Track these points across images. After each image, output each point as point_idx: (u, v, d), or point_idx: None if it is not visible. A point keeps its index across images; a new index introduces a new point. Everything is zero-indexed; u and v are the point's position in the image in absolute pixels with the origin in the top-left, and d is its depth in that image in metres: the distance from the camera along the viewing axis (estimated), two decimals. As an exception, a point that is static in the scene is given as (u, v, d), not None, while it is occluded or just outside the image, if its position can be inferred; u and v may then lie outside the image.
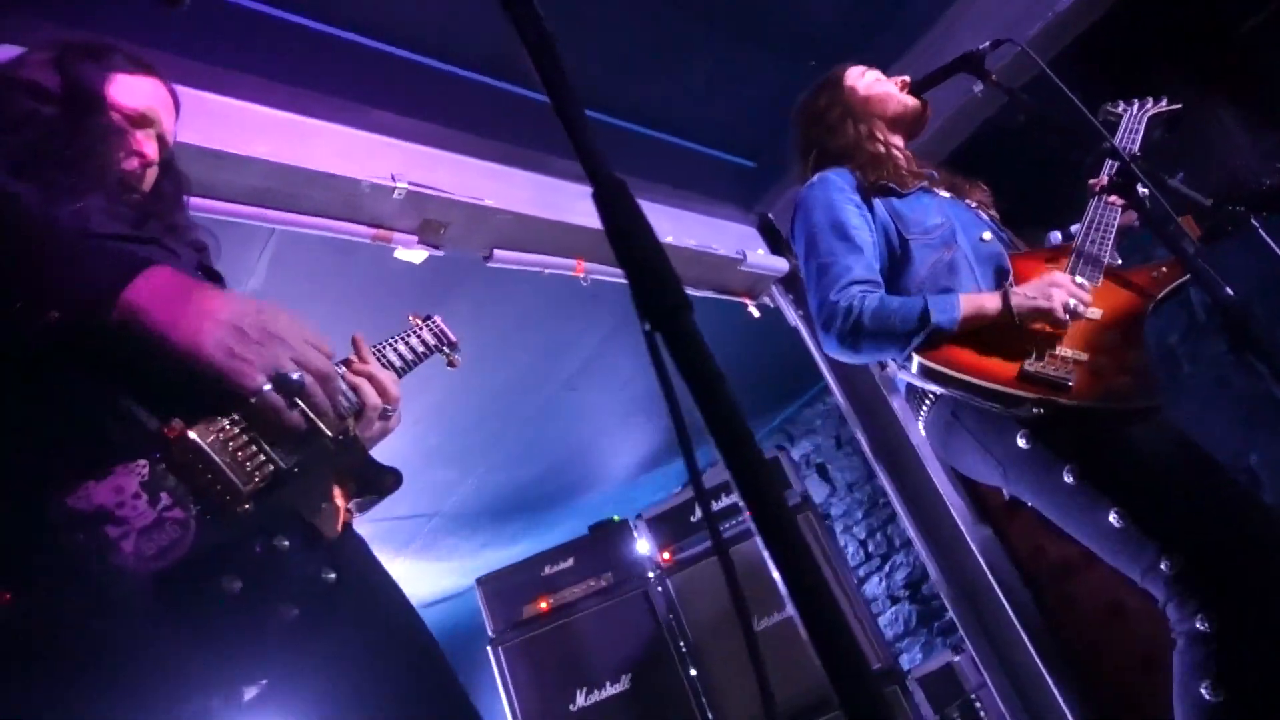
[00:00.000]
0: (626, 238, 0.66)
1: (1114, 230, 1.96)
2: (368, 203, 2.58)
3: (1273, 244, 2.77)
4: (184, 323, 0.97)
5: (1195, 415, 3.72)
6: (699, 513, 4.34)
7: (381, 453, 1.41)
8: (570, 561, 4.25)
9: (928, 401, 1.90)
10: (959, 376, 1.73)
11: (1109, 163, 1.99)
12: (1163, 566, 1.48)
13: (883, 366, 2.10)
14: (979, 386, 1.71)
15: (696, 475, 0.67)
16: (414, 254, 2.78)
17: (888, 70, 2.28)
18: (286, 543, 0.99)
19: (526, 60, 0.74)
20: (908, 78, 2.24)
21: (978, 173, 2.39)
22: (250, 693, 0.95)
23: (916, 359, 1.77)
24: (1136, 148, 2.09)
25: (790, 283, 3.42)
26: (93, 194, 1.18)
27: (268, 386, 1.02)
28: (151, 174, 1.41)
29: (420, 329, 1.65)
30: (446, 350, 1.74)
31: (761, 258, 3.37)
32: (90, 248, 1.04)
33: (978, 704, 3.84)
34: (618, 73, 3.05)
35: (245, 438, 1.01)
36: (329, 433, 1.09)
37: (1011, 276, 1.88)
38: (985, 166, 2.57)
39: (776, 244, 3.61)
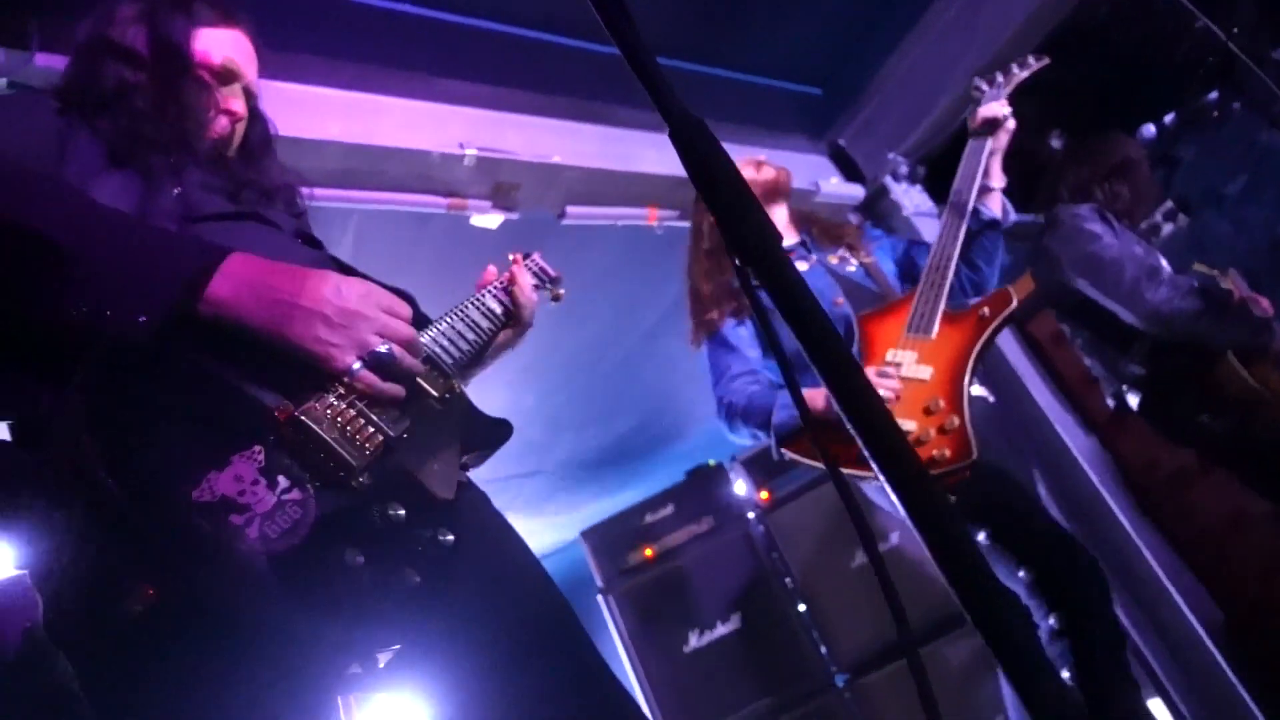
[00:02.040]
0: (709, 175, 0.66)
1: (954, 261, 2.01)
2: (439, 172, 2.62)
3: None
4: (267, 313, 1.00)
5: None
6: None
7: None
8: (670, 508, 4.31)
9: None
10: (808, 462, 2.22)
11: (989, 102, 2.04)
12: (1020, 574, 1.90)
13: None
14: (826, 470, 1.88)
15: (803, 402, 0.67)
16: (489, 219, 2.82)
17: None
18: (402, 511, 1.00)
19: (589, 7, 0.73)
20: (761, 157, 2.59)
21: (1060, 69, 2.29)
22: (385, 657, 0.96)
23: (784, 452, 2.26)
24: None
25: (866, 209, 3.35)
26: (188, 170, 1.22)
27: (357, 365, 1.04)
28: (240, 128, 1.43)
29: (520, 267, 1.66)
30: (549, 285, 1.79)
31: (836, 186, 3.30)
32: (168, 243, 1.04)
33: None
34: (673, 10, 2.99)
35: (352, 411, 1.03)
36: (433, 393, 1.13)
37: (857, 342, 2.11)
38: (1066, 63, 2.44)
39: (850, 171, 3.52)
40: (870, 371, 1.99)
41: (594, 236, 3.28)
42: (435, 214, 2.73)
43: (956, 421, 1.86)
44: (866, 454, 0.68)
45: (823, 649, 3.90)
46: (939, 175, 3.34)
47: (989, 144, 2.13)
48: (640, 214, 2.97)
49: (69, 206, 1.01)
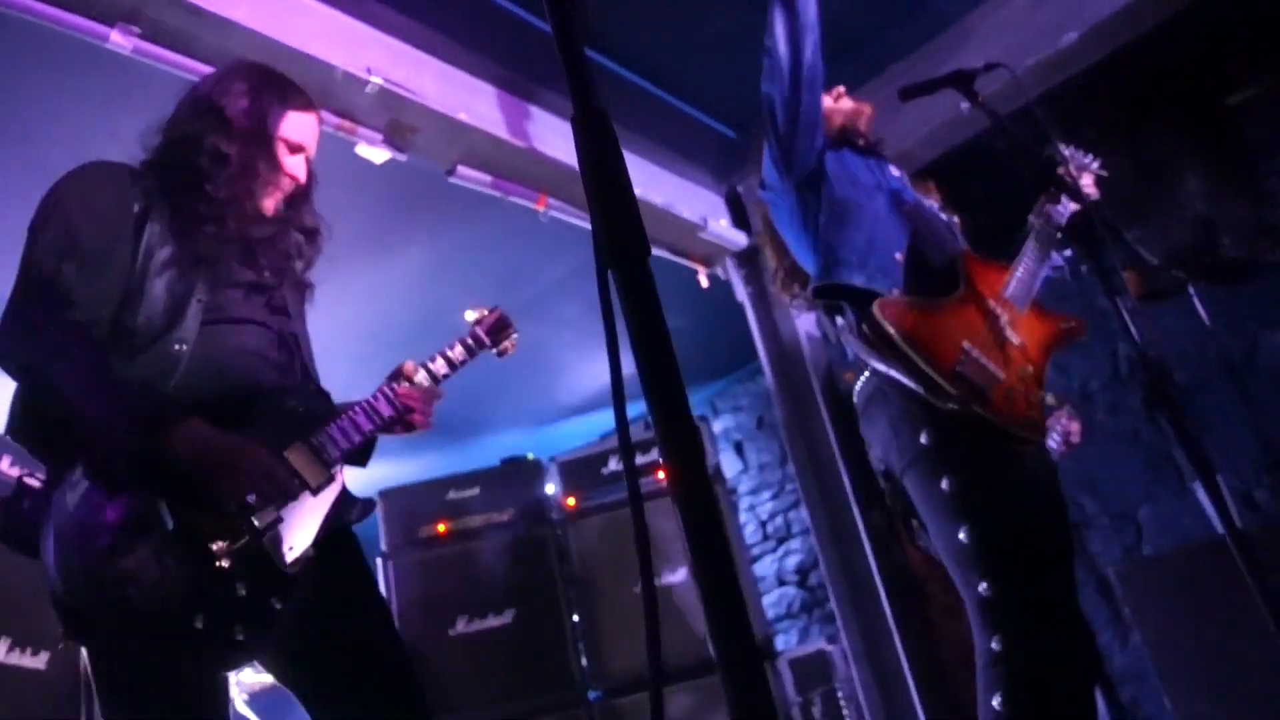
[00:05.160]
0: (598, 170, 0.65)
1: (1045, 268, 2.06)
2: (340, 90, 2.49)
3: (1204, 315, 2.89)
4: (192, 464, 1.44)
5: (1102, 460, 3.88)
6: (612, 466, 4.37)
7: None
8: (476, 490, 4.25)
9: (866, 373, 1.99)
10: (903, 347, 1.80)
11: (1064, 201, 2.06)
12: (980, 589, 1.73)
13: (834, 327, 2.17)
14: (913, 361, 1.80)
15: (623, 419, 0.67)
16: (376, 153, 2.70)
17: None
18: (244, 591, 1.45)
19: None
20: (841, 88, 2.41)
21: (952, 187, 2.43)
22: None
23: (876, 314, 1.83)
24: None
25: (744, 259, 3.43)
26: (225, 262, 1.64)
27: (236, 499, 1.49)
28: (296, 189, 1.80)
29: (476, 329, 1.96)
30: (503, 345, 2.01)
31: (723, 228, 3.38)
32: (144, 413, 1.46)
33: (840, 694, 3.99)
34: (624, 13, 2.98)
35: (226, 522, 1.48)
36: (311, 484, 1.58)
37: (963, 272, 2.00)
38: (960, 183, 2.60)
39: (740, 218, 3.60)
40: (986, 302, 1.94)
41: (481, 204, 3.21)
42: (323, 134, 2.59)
43: (1039, 395, 1.88)
44: (672, 494, 0.69)
45: (584, 662, 3.94)
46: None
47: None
48: (530, 195, 2.93)
49: (84, 382, 1.46)
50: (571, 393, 5.67)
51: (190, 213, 1.61)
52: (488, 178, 2.85)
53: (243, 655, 1.49)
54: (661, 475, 4.25)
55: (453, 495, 4.17)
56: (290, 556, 1.51)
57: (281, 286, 1.76)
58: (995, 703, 1.66)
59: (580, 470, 4.35)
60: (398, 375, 1.81)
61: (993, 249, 2.19)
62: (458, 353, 1.90)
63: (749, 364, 5.69)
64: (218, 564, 1.43)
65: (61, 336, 1.47)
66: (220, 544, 1.44)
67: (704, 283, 3.46)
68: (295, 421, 1.61)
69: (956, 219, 2.35)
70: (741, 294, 3.40)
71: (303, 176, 1.79)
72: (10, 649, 2.43)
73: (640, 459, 4.37)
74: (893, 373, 1.85)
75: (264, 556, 1.48)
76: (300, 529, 1.54)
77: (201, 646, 1.41)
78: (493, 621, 3.95)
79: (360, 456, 1.77)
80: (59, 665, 2.62)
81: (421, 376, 1.82)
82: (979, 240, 2.33)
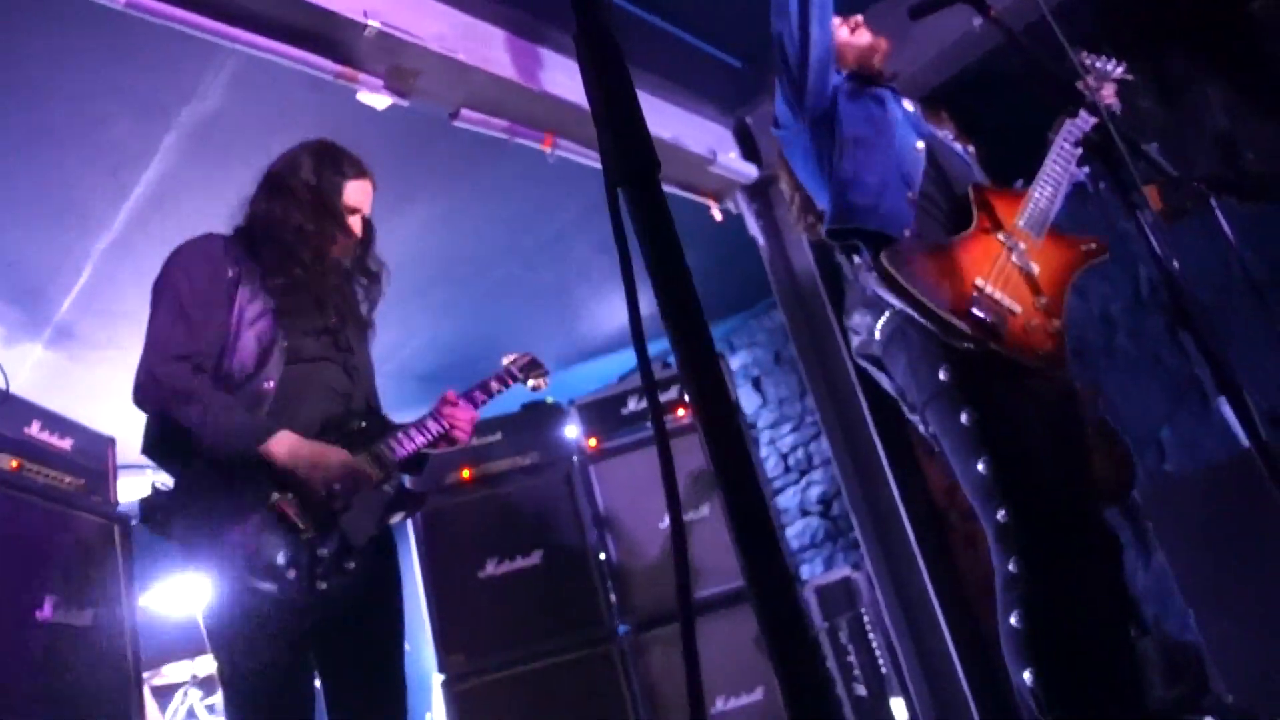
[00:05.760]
0: (603, 83, 0.63)
1: (1065, 186, 2.01)
2: (338, 35, 2.45)
3: (1228, 230, 2.82)
4: (285, 466, 1.90)
5: (1123, 384, 3.85)
6: (631, 406, 4.39)
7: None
8: (498, 435, 4.28)
9: (887, 312, 1.99)
10: (910, 289, 1.83)
11: (1083, 115, 2.00)
12: (999, 515, 1.78)
13: (852, 264, 2.16)
14: (925, 305, 1.82)
15: (643, 347, 0.66)
16: (378, 99, 2.66)
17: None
18: (324, 551, 1.90)
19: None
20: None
21: (961, 110, 2.37)
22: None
23: (884, 262, 1.86)
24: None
25: (756, 191, 3.39)
26: (302, 310, 2.06)
27: (323, 493, 1.92)
28: (355, 244, 2.20)
29: (511, 367, 2.43)
30: (536, 383, 2.47)
31: (732, 161, 3.32)
32: (243, 433, 1.91)
33: (866, 618, 4.05)
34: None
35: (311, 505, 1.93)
36: (374, 479, 2.03)
37: (974, 207, 1.98)
38: (974, 108, 2.54)
39: (749, 150, 3.54)
40: (999, 235, 1.95)
41: (489, 147, 3.17)
42: (322, 79, 2.56)
43: (1058, 325, 1.88)
44: (696, 420, 0.69)
45: (613, 598, 4.01)
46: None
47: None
48: (536, 136, 2.89)
49: (205, 415, 1.89)
50: (587, 336, 5.67)
51: (276, 277, 2.04)
52: (492, 120, 2.81)
53: (323, 603, 1.89)
54: (681, 413, 4.27)
55: (475, 441, 4.20)
56: (358, 534, 1.96)
57: (346, 327, 2.15)
58: (1013, 620, 1.72)
59: (600, 412, 4.37)
60: (443, 403, 2.22)
61: (1010, 174, 2.14)
62: (494, 386, 2.36)
63: (764, 299, 5.66)
64: (304, 536, 1.88)
65: (182, 384, 1.91)
66: (307, 523, 1.89)
67: (717, 217, 3.42)
68: (359, 437, 2.05)
69: (972, 148, 2.31)
70: (753, 228, 3.35)
71: (358, 231, 2.19)
72: (57, 607, 2.50)
73: (661, 397, 4.39)
74: (910, 310, 1.87)
75: (340, 532, 1.94)
76: (365, 515, 2.00)
77: (294, 592, 1.83)
78: (521, 563, 4.02)
79: (415, 466, 2.21)
80: (105, 620, 2.70)
81: (461, 404, 2.24)
82: (995, 166, 2.28)
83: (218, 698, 4.09)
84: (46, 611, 2.47)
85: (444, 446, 2.20)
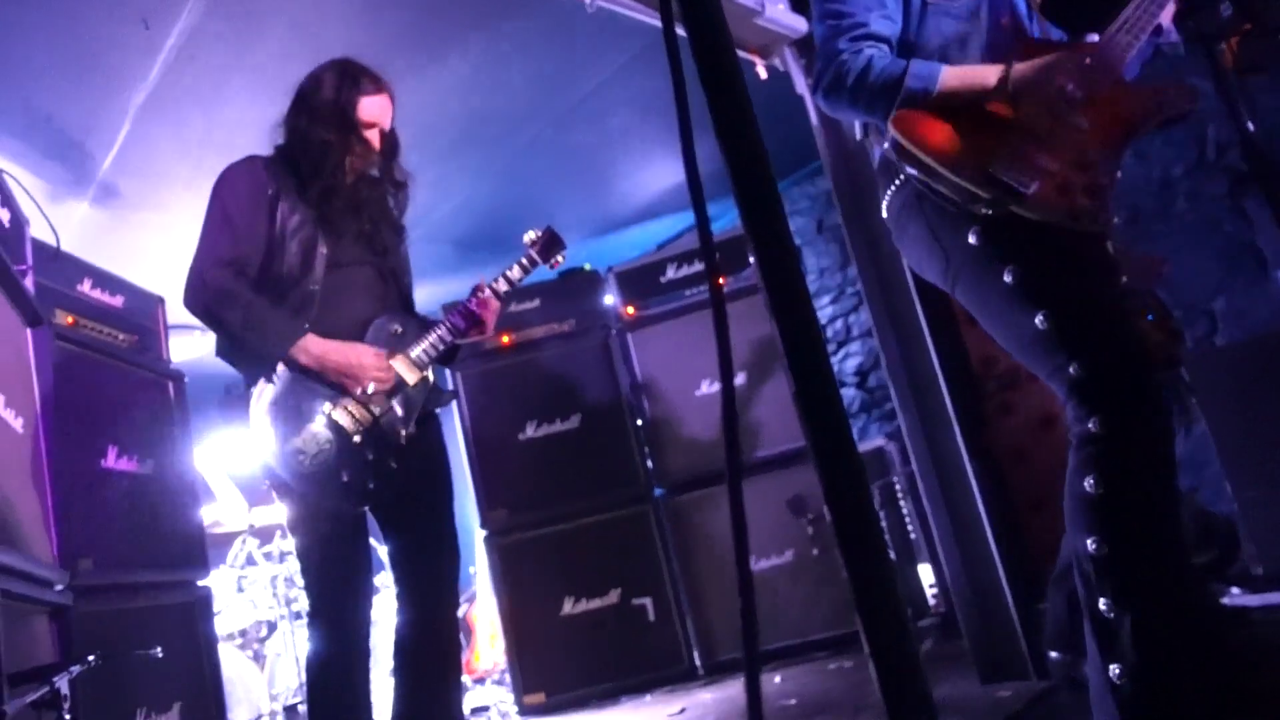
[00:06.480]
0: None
1: (1144, 36, 1.85)
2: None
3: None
4: (319, 367, 2.17)
5: (1177, 250, 3.74)
6: (669, 274, 4.37)
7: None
8: (536, 302, 4.31)
9: (897, 181, 1.86)
10: (924, 158, 1.71)
11: None
12: (1071, 370, 1.61)
13: (865, 134, 2.03)
14: (941, 173, 1.70)
15: (699, 192, 0.64)
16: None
17: None
18: (370, 455, 2.17)
19: None
20: None
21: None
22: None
23: (892, 130, 1.73)
24: None
25: (804, 47, 3.22)
26: (339, 217, 2.28)
27: (359, 391, 2.19)
28: (377, 156, 2.34)
29: (530, 250, 2.54)
30: (554, 260, 2.57)
31: (781, 13, 3.15)
32: (279, 333, 2.16)
33: (898, 485, 4.12)
34: None
35: (359, 405, 2.20)
36: (411, 382, 2.26)
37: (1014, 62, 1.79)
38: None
39: (800, 2, 3.36)
40: (1062, 60, 1.74)
41: (521, 3, 3.04)
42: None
43: (1105, 183, 1.72)
44: (761, 284, 0.68)
45: (649, 463, 4.11)
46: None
47: None
48: (575, -15, 2.75)
49: (244, 317, 2.15)
50: (624, 203, 5.59)
51: (310, 189, 2.25)
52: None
53: (372, 497, 2.17)
54: (720, 281, 4.24)
55: (515, 308, 4.24)
56: (401, 432, 2.22)
57: (381, 231, 2.34)
58: (1087, 485, 1.60)
59: (638, 279, 4.36)
60: (472, 292, 2.40)
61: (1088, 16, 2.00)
62: (515, 273, 2.50)
63: (807, 165, 5.51)
64: (354, 439, 2.15)
65: (225, 286, 2.15)
66: (355, 425, 2.15)
67: (762, 74, 3.27)
68: (395, 339, 2.27)
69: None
70: (801, 85, 3.20)
71: (376, 143, 2.32)
72: (119, 456, 2.62)
73: (694, 268, 4.35)
74: (922, 176, 1.73)
75: (383, 433, 2.19)
76: (405, 413, 2.24)
77: (348, 492, 2.13)
78: (560, 426, 4.12)
79: (447, 359, 2.38)
80: (166, 470, 2.82)
81: (487, 294, 2.41)
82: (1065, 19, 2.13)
83: (274, 545, 4.31)
84: (110, 459, 2.58)
85: (474, 335, 2.39)
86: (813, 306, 0.69)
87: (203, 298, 2.16)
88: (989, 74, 1.76)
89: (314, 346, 2.14)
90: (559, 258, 2.57)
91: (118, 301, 2.89)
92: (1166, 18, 1.92)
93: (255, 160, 2.30)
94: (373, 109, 2.31)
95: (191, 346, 4.17)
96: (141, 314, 3.00)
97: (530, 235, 2.55)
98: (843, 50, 1.82)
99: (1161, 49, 2.07)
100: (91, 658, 1.82)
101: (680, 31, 0.71)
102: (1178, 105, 1.80)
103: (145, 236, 4.26)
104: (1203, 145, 3.73)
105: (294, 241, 2.21)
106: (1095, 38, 2.11)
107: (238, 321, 2.13)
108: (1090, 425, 1.60)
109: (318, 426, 2.13)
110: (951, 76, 1.76)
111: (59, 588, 2.18)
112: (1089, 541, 1.59)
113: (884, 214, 1.96)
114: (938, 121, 1.75)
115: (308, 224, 2.22)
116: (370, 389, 2.17)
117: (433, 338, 2.29)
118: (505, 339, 4.20)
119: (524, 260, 2.51)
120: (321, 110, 2.27)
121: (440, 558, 2.28)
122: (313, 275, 2.19)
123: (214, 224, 2.23)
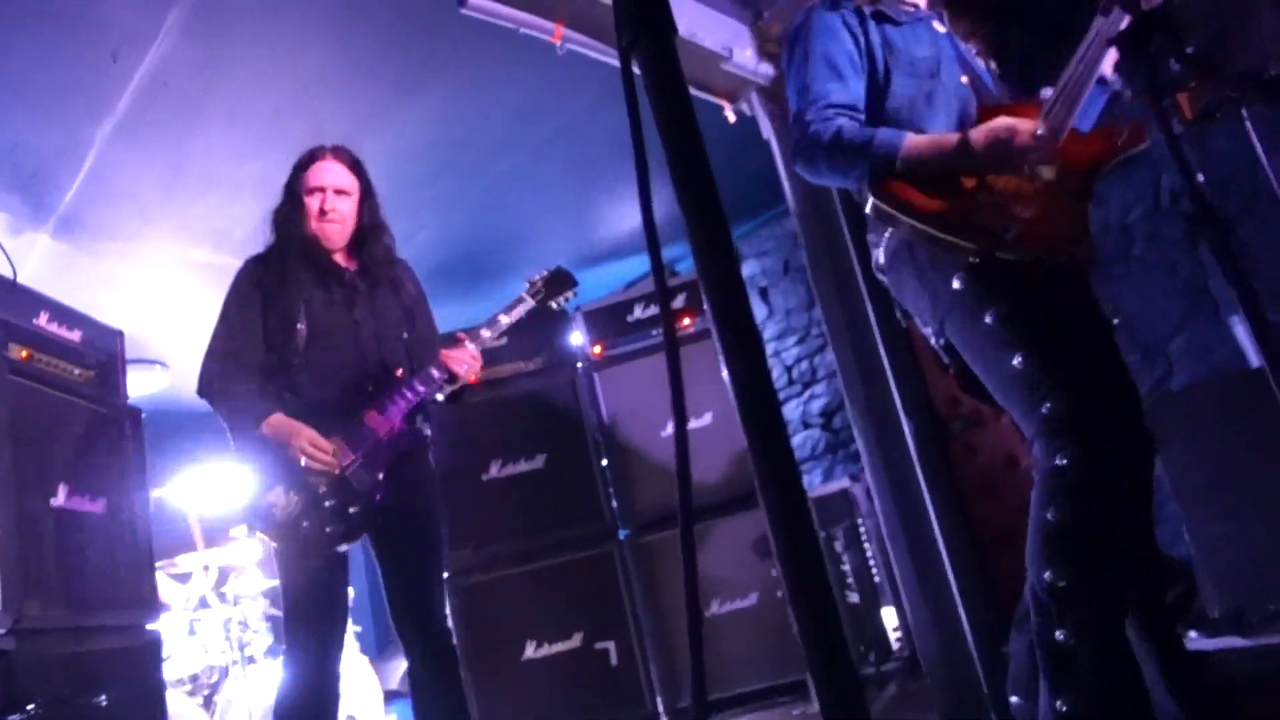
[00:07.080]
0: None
1: (1090, 86, 1.92)
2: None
3: (1256, 141, 2.74)
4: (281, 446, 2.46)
5: (1136, 293, 3.82)
6: (636, 314, 4.38)
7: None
8: (503, 340, 4.28)
9: (889, 231, 1.94)
10: (903, 218, 1.82)
11: (1117, 12, 1.91)
12: (1043, 409, 1.68)
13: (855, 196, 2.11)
14: (922, 230, 1.80)
15: (653, 234, 0.65)
16: (382, -16, 2.57)
17: None
18: (330, 502, 2.45)
19: None
20: None
21: (987, 15, 2.28)
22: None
23: (870, 199, 1.85)
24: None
25: (771, 92, 3.29)
26: (318, 286, 2.61)
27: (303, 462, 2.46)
28: (344, 224, 2.65)
29: (533, 289, 2.82)
30: (557, 302, 2.85)
31: (748, 59, 3.22)
32: (251, 411, 2.50)
33: (862, 528, 4.12)
34: None
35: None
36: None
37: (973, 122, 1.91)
38: (994, 11, 2.44)
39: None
40: (1022, 124, 1.83)
41: (495, 39, 3.06)
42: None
43: (1079, 217, 1.85)
44: (712, 324, 0.68)
45: (614, 503, 4.08)
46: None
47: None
48: (546, 27, 2.79)
49: (230, 405, 2.52)
50: (591, 241, 5.61)
51: (284, 270, 2.56)
52: (500, 8, 2.71)
53: (335, 539, 2.44)
54: (687, 321, 4.26)
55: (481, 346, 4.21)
56: (362, 481, 2.46)
57: (358, 295, 2.61)
58: (1049, 514, 1.63)
59: (605, 319, 4.36)
60: (449, 343, 2.64)
61: (1035, 75, 2.06)
62: (502, 321, 2.77)
63: (774, 207, 5.58)
64: (320, 490, 2.44)
65: (219, 382, 2.52)
66: (319, 480, 2.44)
67: (730, 118, 3.32)
68: (368, 396, 2.53)
69: (994, 64, 2.24)
70: (767, 130, 3.26)
71: (331, 205, 2.60)
72: (70, 494, 2.55)
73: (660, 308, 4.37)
74: (907, 232, 1.84)
75: (347, 482, 2.46)
76: (373, 462, 2.49)
77: (310, 539, 2.41)
78: (525, 465, 4.08)
79: (419, 409, 2.63)
80: (118, 509, 2.75)
81: (469, 344, 2.65)
82: (1024, 79, 2.20)
83: (228, 586, 4.20)
84: (60, 498, 2.51)
85: (449, 388, 2.64)
86: (764, 351, 0.69)
87: (206, 390, 2.55)
88: (945, 139, 1.87)
89: (273, 424, 2.46)
90: (568, 294, 2.83)
91: (75, 336, 2.83)
92: (1108, 68, 2.01)
93: (246, 264, 2.65)
94: (315, 175, 2.61)
95: (153, 381, 4.10)
96: (99, 348, 2.94)
97: (534, 279, 2.82)
98: (812, 121, 1.94)
99: (1120, 97, 2.15)
100: (31, 706, 1.75)
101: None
102: (1132, 142, 1.90)
103: (109, 267, 4.20)
104: (1158, 192, 3.83)
105: (288, 322, 2.53)
106: (1049, 92, 2.18)
107: (224, 410, 2.51)
108: (1058, 460, 1.65)
109: (286, 483, 2.43)
110: (915, 144, 1.86)
111: (1, 631, 2.10)
112: (1047, 573, 1.62)
113: (880, 260, 2.04)
114: (916, 189, 1.85)
115: (295, 302, 2.53)
116: (308, 464, 2.43)
117: (407, 390, 2.54)
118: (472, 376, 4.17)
119: (517, 302, 2.81)
120: (284, 198, 2.65)
121: (429, 585, 2.55)
122: (300, 350, 2.51)
123: (218, 321, 2.59)
